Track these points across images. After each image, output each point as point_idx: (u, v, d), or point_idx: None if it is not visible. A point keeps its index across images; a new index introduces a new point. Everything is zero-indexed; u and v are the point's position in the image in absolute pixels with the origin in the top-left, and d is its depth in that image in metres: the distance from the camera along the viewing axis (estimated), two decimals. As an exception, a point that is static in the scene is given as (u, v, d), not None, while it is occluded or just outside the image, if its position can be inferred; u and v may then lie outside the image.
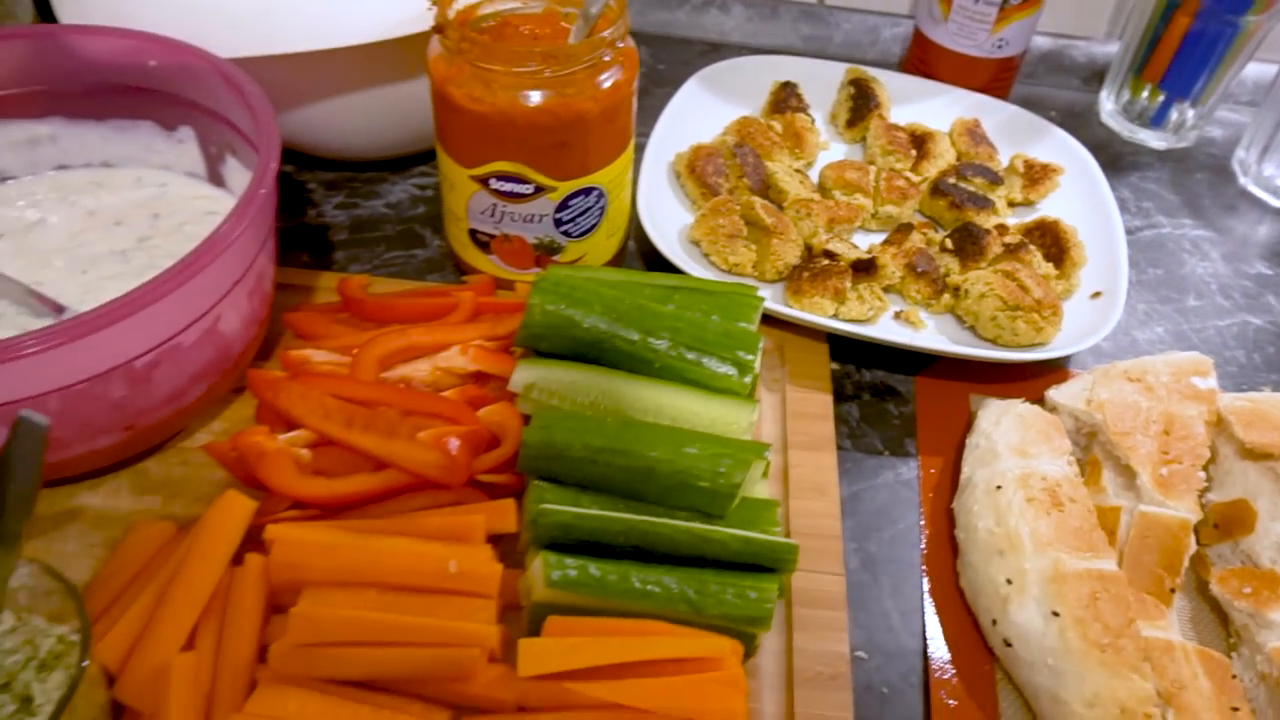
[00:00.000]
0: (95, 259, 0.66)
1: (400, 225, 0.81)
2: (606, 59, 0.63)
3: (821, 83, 0.94)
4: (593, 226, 0.70)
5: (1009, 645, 0.56)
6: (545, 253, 0.70)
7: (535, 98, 0.62)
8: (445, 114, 0.65)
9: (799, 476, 0.64)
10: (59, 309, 0.62)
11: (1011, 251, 0.76)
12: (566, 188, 0.66)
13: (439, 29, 0.63)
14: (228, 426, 0.64)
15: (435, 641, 0.50)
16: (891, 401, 0.72)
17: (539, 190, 0.66)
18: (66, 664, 0.47)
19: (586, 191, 0.67)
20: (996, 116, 0.92)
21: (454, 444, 0.55)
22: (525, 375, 0.60)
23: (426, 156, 0.87)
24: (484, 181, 0.66)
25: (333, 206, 0.83)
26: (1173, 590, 0.57)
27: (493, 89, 0.62)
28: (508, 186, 0.66)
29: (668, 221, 0.77)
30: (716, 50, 1.07)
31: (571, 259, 0.71)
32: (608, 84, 0.64)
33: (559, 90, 0.62)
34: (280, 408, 0.59)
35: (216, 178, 0.71)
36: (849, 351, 0.74)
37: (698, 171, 0.80)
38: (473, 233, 0.70)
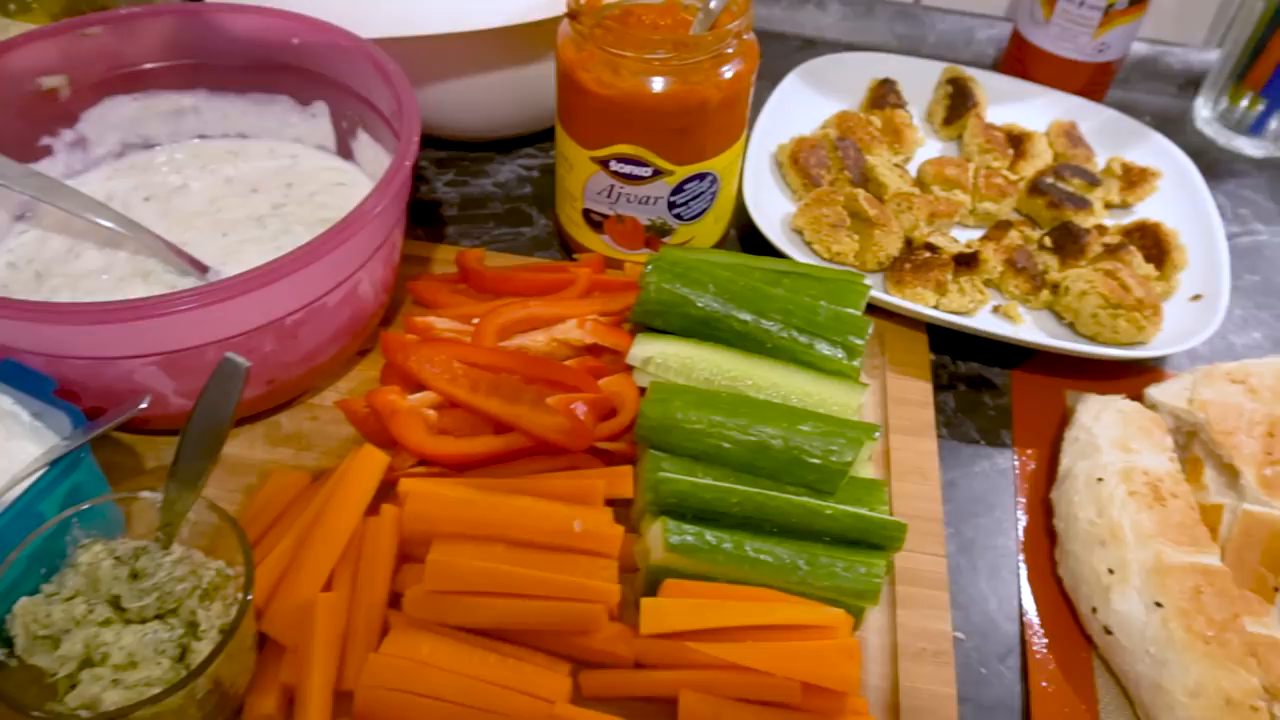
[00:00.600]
0: (234, 223, 0.69)
1: (507, 204, 0.84)
2: (730, 50, 0.65)
3: (918, 81, 0.95)
4: (703, 211, 0.72)
5: (1109, 633, 0.57)
6: (656, 234, 0.72)
7: (661, 84, 0.64)
8: (571, 97, 0.67)
9: (901, 460, 0.66)
10: (203, 269, 0.65)
11: (1111, 251, 0.77)
12: (683, 172, 0.68)
13: (572, 15, 0.65)
14: (353, 387, 0.67)
15: (561, 595, 0.53)
16: (987, 393, 0.73)
17: (657, 173, 0.68)
18: (223, 595, 0.50)
19: (701, 176, 0.69)
20: (1093, 120, 0.93)
21: (580, 409, 0.58)
22: (644, 349, 0.62)
23: (532, 139, 0.89)
24: (604, 163, 0.68)
25: (443, 184, 0.86)
26: (1276, 589, 0.58)
27: (620, 74, 0.64)
28: (627, 169, 0.68)
29: (771, 209, 0.79)
30: (812, 46, 1.09)
31: (680, 241, 0.73)
32: (729, 74, 0.66)
33: (684, 78, 0.64)
34: (410, 369, 0.62)
35: (345, 151, 0.74)
36: (945, 342, 0.76)
37: (800, 162, 0.82)
38: (587, 212, 0.72)
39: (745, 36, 0.67)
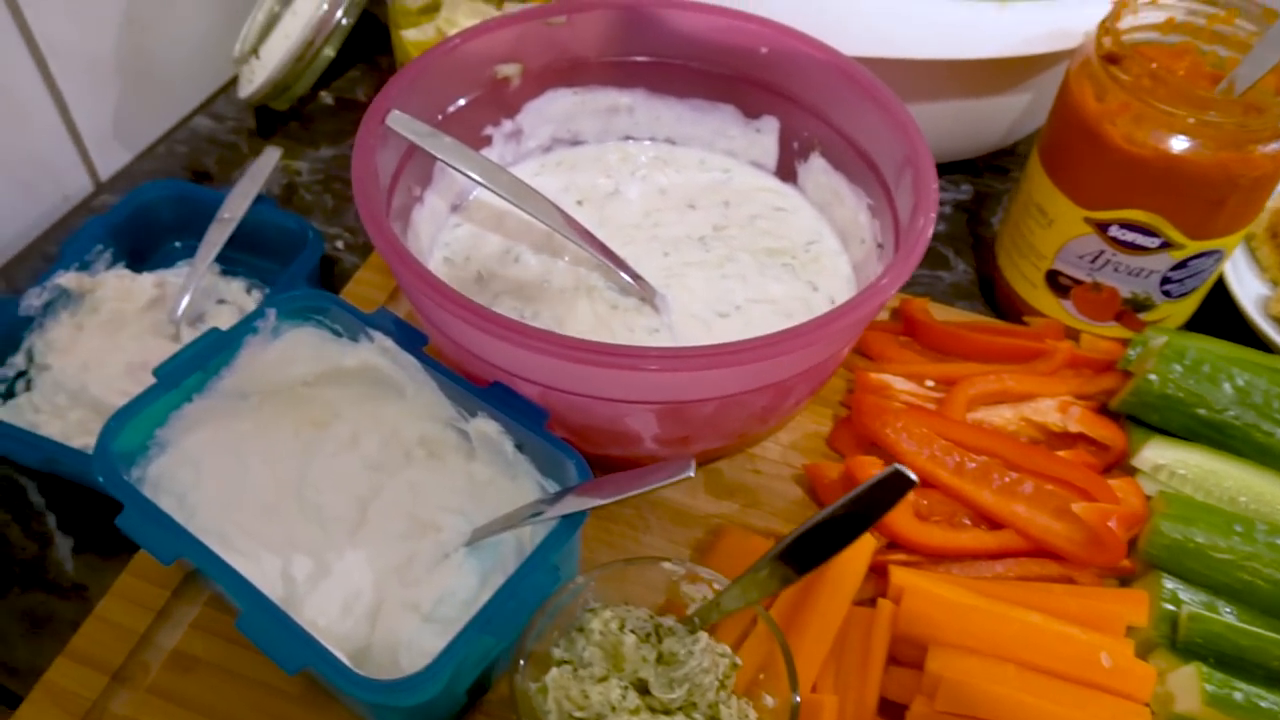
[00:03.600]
0: (674, 241, 0.64)
1: (912, 240, 0.77)
2: (1289, 114, 0.56)
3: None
4: (1194, 289, 0.63)
5: None
6: (1132, 309, 0.64)
7: (1203, 149, 0.56)
8: (1081, 148, 0.60)
9: None
10: (650, 293, 0.61)
11: None
12: (1194, 247, 0.60)
13: (1111, 58, 0.57)
14: (794, 439, 0.61)
15: (1093, 743, 0.46)
16: None
17: (1165, 245, 0.60)
18: (731, 686, 0.45)
19: (1209, 254, 0.61)
20: None
21: (1113, 524, 0.51)
22: (1157, 454, 0.55)
23: (953, 168, 0.82)
24: (1102, 227, 0.60)
25: (838, 207, 0.79)
26: None
27: (1157, 131, 0.56)
28: (1130, 236, 0.60)
29: (1242, 289, 0.69)
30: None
31: (1157, 319, 0.65)
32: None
33: (1236, 144, 0.56)
34: (886, 440, 0.56)
35: (786, 172, 0.68)
36: None
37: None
38: (1054, 274, 0.65)
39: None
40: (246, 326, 0.52)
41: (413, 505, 0.51)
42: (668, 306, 0.61)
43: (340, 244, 0.75)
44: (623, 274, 0.61)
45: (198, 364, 0.51)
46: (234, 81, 0.83)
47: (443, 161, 0.57)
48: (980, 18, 0.63)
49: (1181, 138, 0.56)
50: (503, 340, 0.47)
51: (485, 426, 0.51)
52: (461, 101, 0.63)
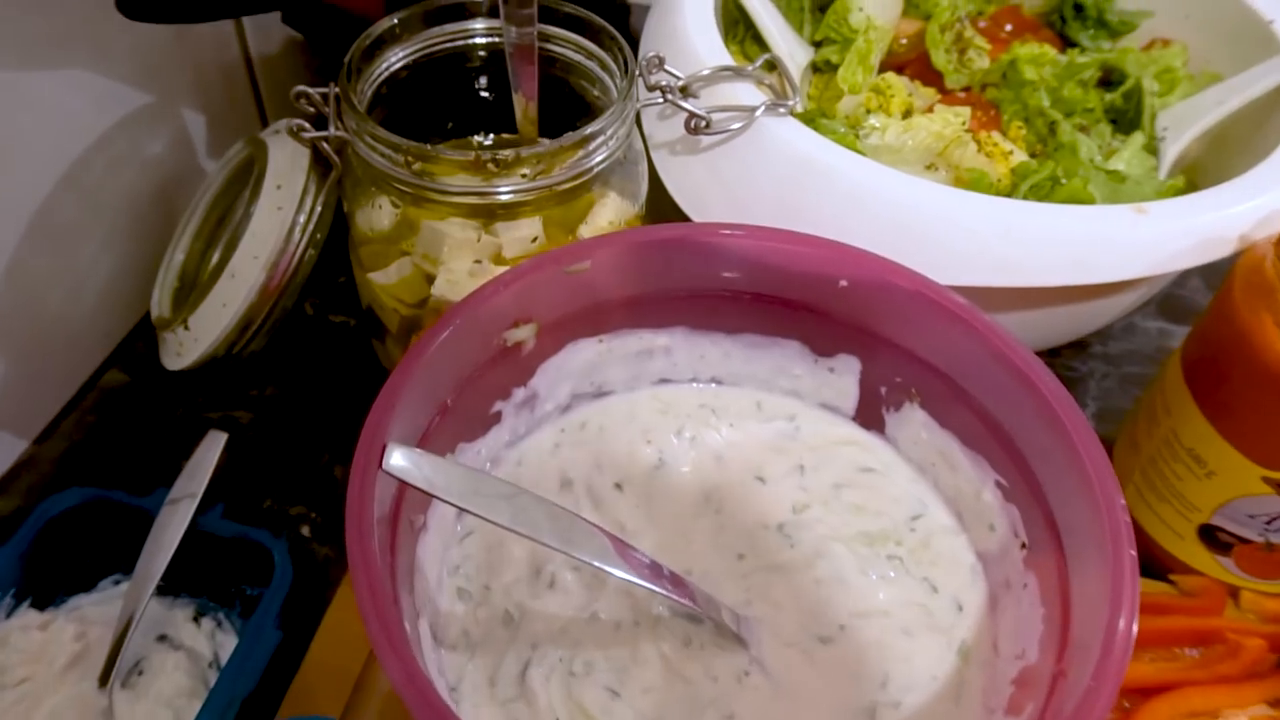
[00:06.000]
0: (747, 535, 0.50)
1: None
2: None
3: None
4: (1382, 543, 0.52)
5: None
6: (1308, 568, 0.52)
7: None
8: (1264, 399, 0.48)
9: None
10: (732, 620, 0.47)
11: None
12: (1400, 508, 0.49)
13: (1302, 299, 0.45)
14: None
15: None
16: None
17: (1366, 509, 0.48)
18: None
19: None
20: None
21: None
22: None
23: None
24: (1283, 487, 0.49)
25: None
26: None
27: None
28: (1321, 501, 0.48)
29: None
30: None
31: (1335, 577, 0.53)
32: None
33: None
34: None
35: (870, 417, 0.54)
36: None
37: None
38: (1210, 529, 0.53)
39: None
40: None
41: None
42: (754, 634, 0.47)
43: (306, 529, 0.59)
44: (692, 605, 0.47)
45: None
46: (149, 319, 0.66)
47: (467, 511, 0.42)
48: (1116, 231, 0.50)
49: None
50: None
51: None
52: (462, 381, 0.49)
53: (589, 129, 0.47)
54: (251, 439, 0.63)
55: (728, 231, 0.50)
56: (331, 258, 0.61)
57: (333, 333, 0.68)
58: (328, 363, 0.67)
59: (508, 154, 0.45)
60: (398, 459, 0.41)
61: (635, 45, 0.94)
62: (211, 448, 0.54)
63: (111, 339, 0.65)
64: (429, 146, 0.45)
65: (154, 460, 0.61)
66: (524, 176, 0.46)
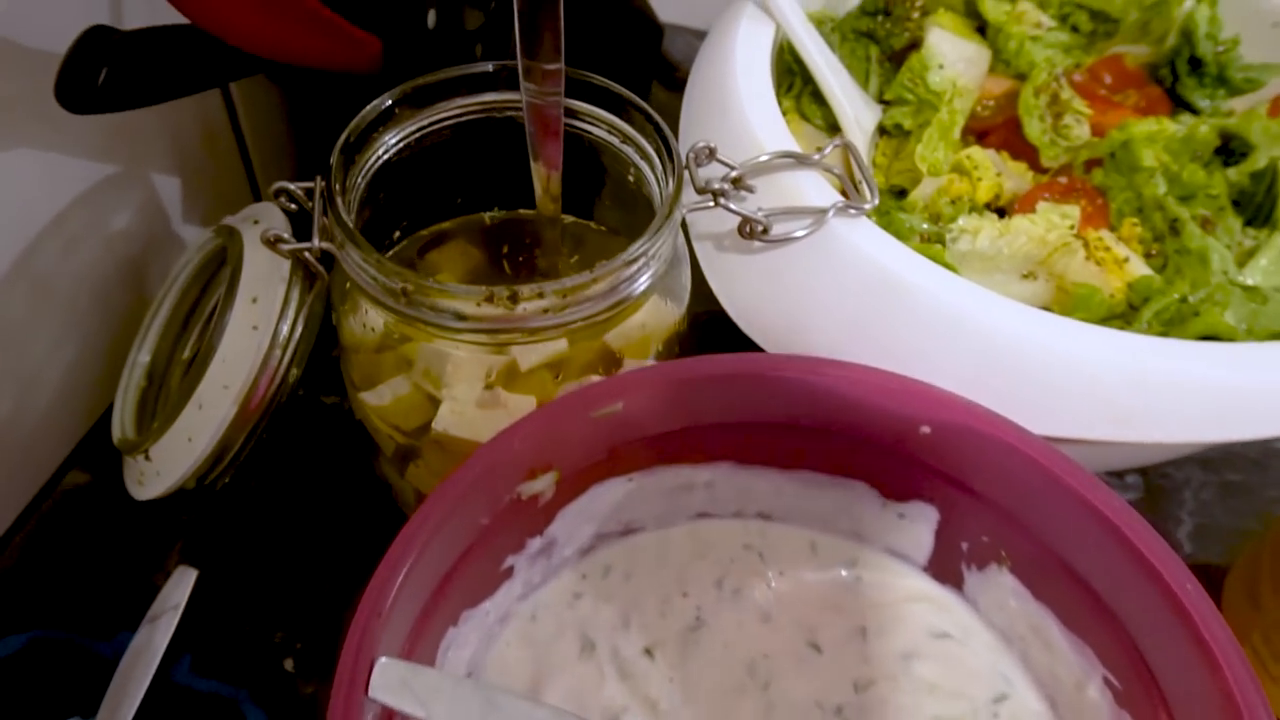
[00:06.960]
0: (797, 712, 0.43)
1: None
2: None
3: None
4: None
5: None
6: None
7: None
8: None
9: None
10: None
11: None
12: None
13: None
14: None
15: None
16: None
17: None
18: None
19: None
20: None
21: None
22: None
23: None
24: None
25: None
26: None
27: None
28: None
29: None
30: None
31: None
32: None
33: None
34: None
35: (945, 571, 0.47)
36: None
37: None
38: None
39: None
40: None
41: None
42: None
43: (289, 663, 0.52)
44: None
45: None
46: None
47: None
48: (1273, 381, 0.41)
49: None
50: None
51: None
52: (466, 550, 0.41)
53: (629, 253, 0.39)
54: (227, 565, 0.54)
55: (788, 365, 0.42)
56: (324, 334, 0.52)
57: (324, 419, 0.60)
58: (318, 460, 0.59)
59: (529, 290, 0.37)
60: (386, 679, 0.34)
61: (668, 69, 0.86)
62: (179, 586, 0.47)
63: (71, 437, 0.57)
64: (430, 282, 0.37)
65: (118, 586, 0.53)
66: (546, 311, 0.38)
